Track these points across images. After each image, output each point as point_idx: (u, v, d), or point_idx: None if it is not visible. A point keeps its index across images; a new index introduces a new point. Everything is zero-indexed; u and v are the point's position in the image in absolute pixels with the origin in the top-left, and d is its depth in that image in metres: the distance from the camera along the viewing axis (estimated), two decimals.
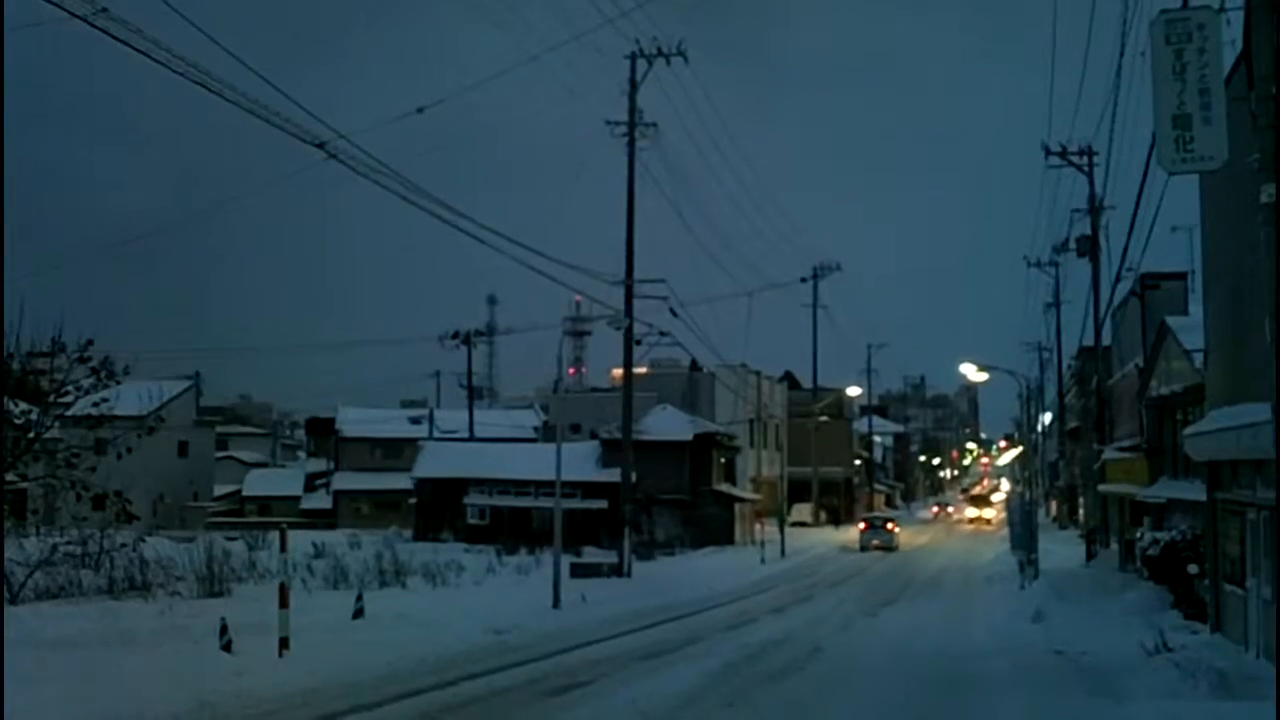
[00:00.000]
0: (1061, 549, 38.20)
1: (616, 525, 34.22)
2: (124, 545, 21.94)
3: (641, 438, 39.82)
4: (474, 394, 65.32)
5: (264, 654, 14.15)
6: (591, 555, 36.00)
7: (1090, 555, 35.18)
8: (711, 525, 46.99)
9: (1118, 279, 29.41)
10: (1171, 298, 27.12)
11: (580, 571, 29.27)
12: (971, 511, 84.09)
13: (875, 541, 49.79)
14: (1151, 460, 26.11)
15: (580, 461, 41.91)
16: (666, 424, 47.44)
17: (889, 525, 52.53)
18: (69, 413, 20.48)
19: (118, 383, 20.05)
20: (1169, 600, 20.19)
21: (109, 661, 13.42)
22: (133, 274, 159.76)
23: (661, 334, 34.96)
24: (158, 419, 24.37)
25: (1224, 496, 16.46)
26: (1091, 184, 35.10)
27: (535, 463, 42.27)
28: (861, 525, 53.65)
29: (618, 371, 44.11)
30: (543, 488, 41.71)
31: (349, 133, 17.36)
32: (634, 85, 33.01)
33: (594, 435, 48.91)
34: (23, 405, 20.45)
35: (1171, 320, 23.21)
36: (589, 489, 43.19)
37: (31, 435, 19.81)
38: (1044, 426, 73.04)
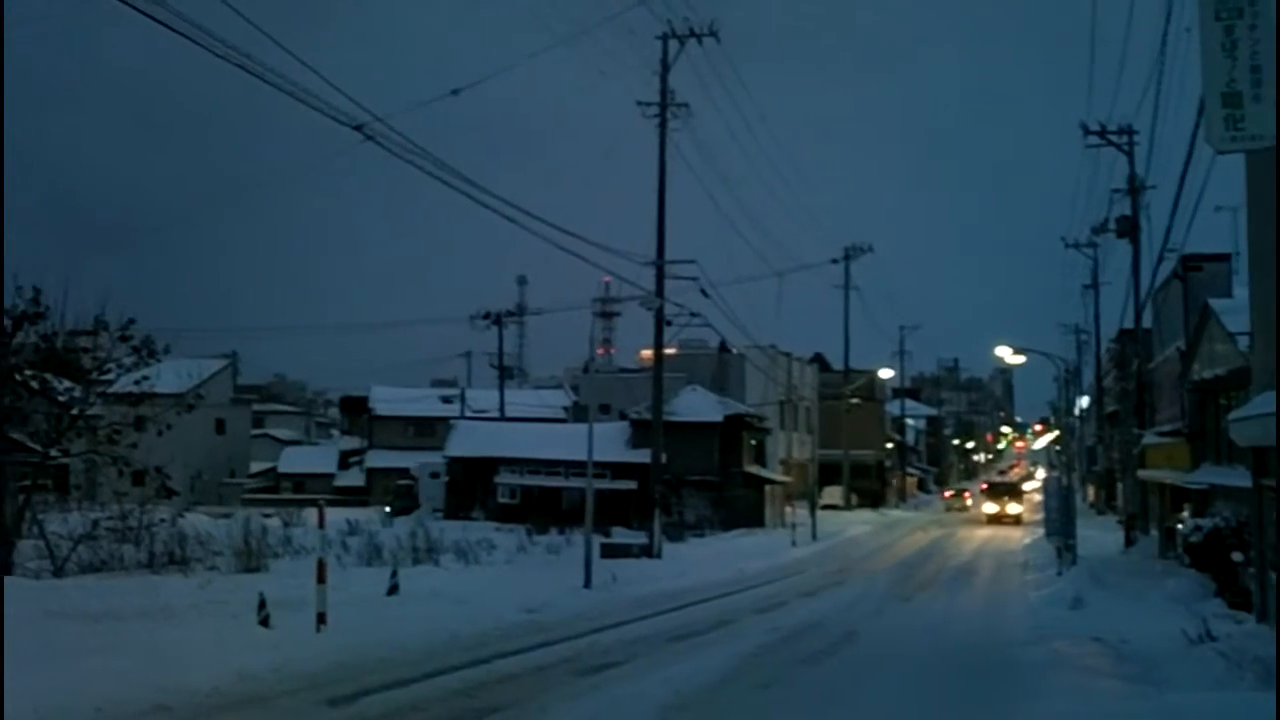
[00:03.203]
0: (1099, 535, 37.82)
1: (646, 506, 34.22)
2: (163, 520, 22.16)
3: (671, 419, 39.78)
4: (504, 374, 65.50)
5: (301, 628, 14.24)
6: (621, 536, 36.03)
7: (1129, 542, 34.82)
8: (741, 507, 46.94)
9: (1159, 260, 29.01)
10: (1215, 279, 26.74)
11: (610, 552, 29.29)
12: (990, 507, 60.35)
13: (956, 506, 71.32)
14: (1193, 445, 25.81)
15: (610, 442, 41.90)
16: (696, 405, 47.38)
17: (965, 495, 73.68)
18: (110, 390, 20.68)
19: (158, 361, 20.24)
20: (1212, 588, 19.93)
21: (150, 634, 13.54)
22: (172, 255, 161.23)
23: (692, 315, 34.87)
24: (196, 396, 24.66)
25: (1270, 483, 16.19)
26: (1132, 163, 34.63)
27: (565, 443, 42.33)
28: (947, 494, 78.25)
29: (646, 352, 44.08)
30: (573, 468, 41.78)
31: (385, 115, 17.37)
32: (665, 66, 32.84)
33: (623, 416, 48.93)
34: (66, 383, 20.68)
35: (1215, 302, 22.89)
36: (618, 469, 43.20)
37: (74, 412, 20.04)
38: (1081, 410, 72.38)
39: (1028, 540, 43.03)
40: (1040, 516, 45.21)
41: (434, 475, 53.70)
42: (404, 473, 57.86)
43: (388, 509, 49.63)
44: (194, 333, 72.58)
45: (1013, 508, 59.14)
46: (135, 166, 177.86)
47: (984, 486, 72.59)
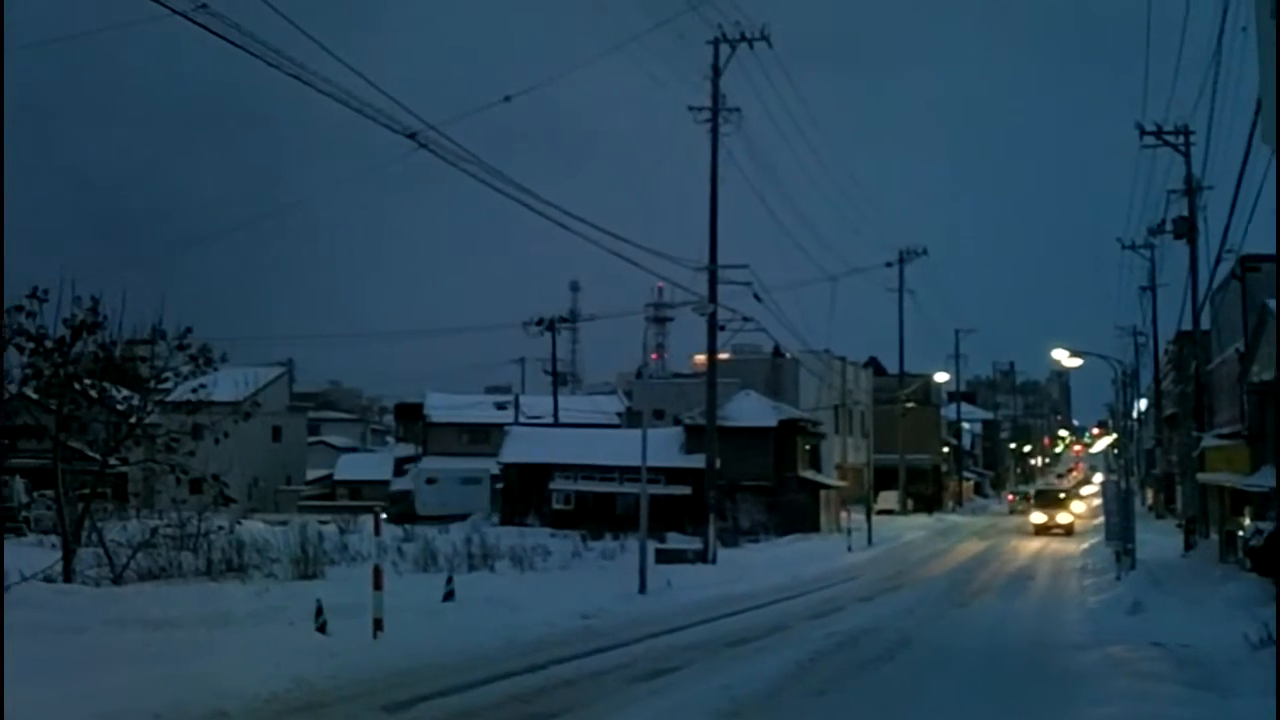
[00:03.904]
0: (1158, 539, 37.21)
1: (700, 511, 34.19)
2: (220, 528, 22.44)
3: (725, 424, 39.69)
4: (558, 380, 65.71)
5: (358, 635, 14.37)
6: (675, 541, 36.01)
7: (1189, 546, 34.25)
8: (796, 512, 46.70)
9: (1217, 261, 28.50)
10: (1273, 280, 26.19)
11: (665, 557, 29.27)
12: (1038, 517, 54.83)
13: (1020, 508, 69.72)
14: (1253, 448, 25.32)
15: (663, 447, 41.93)
16: (750, 410, 47.23)
17: (1028, 497, 69.90)
18: (168, 398, 20.98)
19: (215, 369, 20.46)
20: (1273, 592, 19.51)
21: (210, 641, 13.75)
22: (227, 263, 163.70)
23: (745, 319, 34.78)
24: (253, 404, 24.79)
25: None
26: (1188, 164, 34.10)
27: (619, 448, 42.44)
28: (1010, 497, 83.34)
29: (699, 357, 44.05)
30: (627, 473, 41.86)
31: (438, 123, 17.54)
32: (717, 70, 32.85)
33: (677, 421, 48.90)
34: (124, 391, 21.02)
35: (1273, 303, 22.42)
36: (672, 475, 43.19)
37: (133, 421, 20.35)
38: (1139, 413, 71.18)
39: (1085, 545, 42.39)
40: (1097, 522, 44.42)
41: (430, 481, 54.28)
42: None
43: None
44: (250, 340, 73.86)
45: (1063, 517, 54.54)
46: (190, 175, 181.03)
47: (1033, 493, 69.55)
